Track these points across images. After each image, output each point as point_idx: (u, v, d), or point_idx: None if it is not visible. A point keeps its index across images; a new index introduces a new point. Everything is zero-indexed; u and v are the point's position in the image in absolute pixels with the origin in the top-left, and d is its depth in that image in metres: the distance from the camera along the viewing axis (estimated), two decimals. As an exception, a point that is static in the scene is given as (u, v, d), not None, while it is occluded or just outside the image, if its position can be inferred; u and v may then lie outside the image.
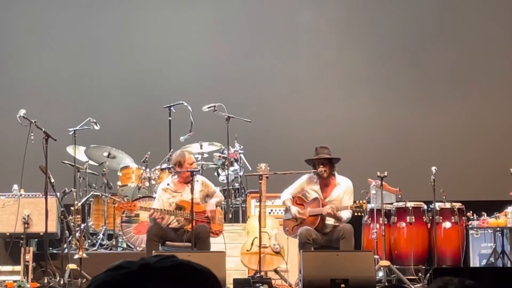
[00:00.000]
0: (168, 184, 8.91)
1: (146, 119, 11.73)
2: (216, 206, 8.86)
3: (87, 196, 10.15)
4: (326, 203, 8.64)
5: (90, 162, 10.26)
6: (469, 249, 9.73)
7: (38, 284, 8.45)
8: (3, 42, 12.03)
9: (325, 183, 8.76)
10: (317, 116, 11.91)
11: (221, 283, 1.39)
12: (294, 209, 8.70)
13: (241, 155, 10.08)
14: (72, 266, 8.47)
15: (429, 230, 9.47)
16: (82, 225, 9.70)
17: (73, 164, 9.90)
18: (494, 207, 9.82)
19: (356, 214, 8.55)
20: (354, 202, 8.56)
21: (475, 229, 9.68)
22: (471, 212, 9.64)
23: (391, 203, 9.64)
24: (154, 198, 9.22)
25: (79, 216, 9.73)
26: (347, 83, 12.14)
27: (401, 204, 9.56)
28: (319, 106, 12.00)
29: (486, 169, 11.75)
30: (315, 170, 8.71)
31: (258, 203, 8.94)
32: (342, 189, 8.72)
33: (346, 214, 8.57)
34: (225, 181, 9.98)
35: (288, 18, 12.28)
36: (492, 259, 9.39)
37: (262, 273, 8.44)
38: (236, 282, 8.07)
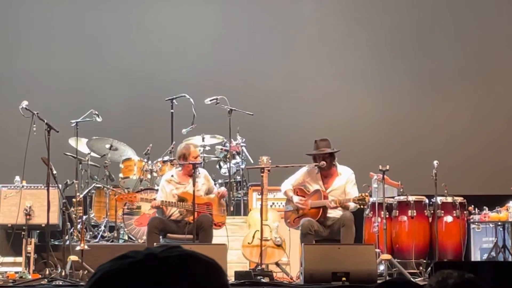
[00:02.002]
0: (172, 176, 8.94)
1: (148, 111, 11.73)
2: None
3: (89, 188, 10.16)
4: (327, 194, 8.66)
5: (92, 154, 10.26)
6: (471, 243, 9.73)
7: (40, 276, 8.45)
8: (6, 35, 12.02)
9: (325, 174, 8.80)
10: (319, 110, 11.91)
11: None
12: (296, 198, 8.72)
13: (243, 148, 10.08)
14: (73, 257, 8.48)
15: (431, 224, 9.47)
16: (84, 217, 9.71)
17: (75, 156, 9.89)
18: (496, 201, 9.82)
19: (359, 206, 8.58)
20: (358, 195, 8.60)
21: (476, 223, 9.68)
22: (472, 206, 9.64)
23: (393, 197, 9.63)
24: (156, 190, 9.25)
25: (80, 208, 9.72)
26: (349, 77, 12.13)
27: (402, 198, 9.55)
28: (321, 100, 12.00)
29: (488, 163, 11.76)
30: (317, 164, 8.73)
31: (259, 196, 8.95)
32: (344, 179, 8.76)
33: (352, 204, 8.61)
34: (227, 174, 9.99)
35: (290, 11, 12.26)
36: (493, 254, 9.40)
37: (264, 266, 8.45)
38: (238, 274, 8.08)
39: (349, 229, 8.45)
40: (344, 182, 8.75)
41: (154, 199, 8.84)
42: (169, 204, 8.68)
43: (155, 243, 8.25)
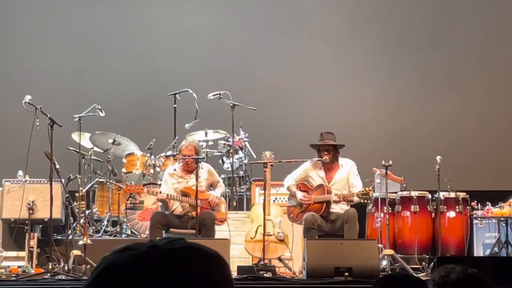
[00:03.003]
0: (174, 170, 8.96)
1: (151, 106, 11.73)
2: (221, 196, 8.92)
3: (92, 183, 10.17)
4: (330, 189, 8.66)
5: (95, 148, 10.27)
6: (473, 239, 9.73)
7: (43, 270, 8.46)
8: (10, 29, 12.02)
9: (329, 168, 8.81)
10: (322, 105, 11.90)
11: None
12: (300, 194, 8.71)
13: (246, 143, 10.08)
14: (76, 252, 8.49)
15: (433, 219, 9.46)
16: (87, 212, 9.72)
17: (78, 150, 9.90)
18: (499, 197, 9.82)
19: (362, 201, 8.57)
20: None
21: (479, 218, 9.67)
22: (475, 201, 9.63)
23: (396, 192, 9.62)
24: (159, 185, 9.26)
25: (83, 202, 9.74)
26: (353, 71, 12.12)
27: (405, 193, 9.55)
28: (325, 95, 11.99)
29: (491, 158, 11.75)
30: (320, 158, 8.73)
31: (262, 191, 8.95)
32: (346, 170, 8.77)
33: (356, 198, 8.61)
34: (230, 169, 9.99)
35: (294, 7, 12.24)
36: (496, 249, 9.40)
37: (266, 261, 8.45)
38: (240, 269, 8.09)
39: (353, 225, 8.45)
40: (346, 174, 8.76)
41: (160, 192, 8.87)
42: (174, 198, 8.69)
43: (157, 238, 8.26)
